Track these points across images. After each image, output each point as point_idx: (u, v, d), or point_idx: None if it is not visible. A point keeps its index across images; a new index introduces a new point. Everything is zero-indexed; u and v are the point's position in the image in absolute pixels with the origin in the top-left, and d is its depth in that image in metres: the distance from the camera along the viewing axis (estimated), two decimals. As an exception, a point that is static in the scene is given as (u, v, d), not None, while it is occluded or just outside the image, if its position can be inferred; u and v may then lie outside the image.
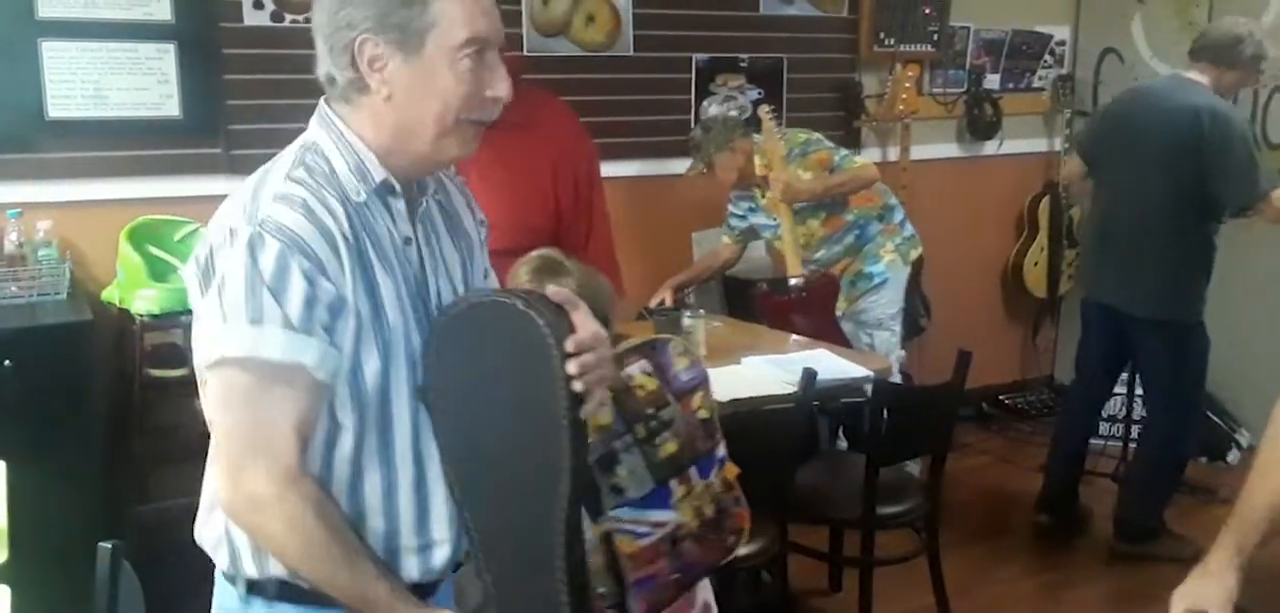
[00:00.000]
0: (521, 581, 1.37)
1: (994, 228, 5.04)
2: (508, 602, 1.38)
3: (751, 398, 2.72)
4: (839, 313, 3.86)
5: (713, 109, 4.33)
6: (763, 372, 2.98)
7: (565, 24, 3.99)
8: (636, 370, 1.85)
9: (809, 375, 2.68)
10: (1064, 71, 5.08)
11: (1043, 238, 4.97)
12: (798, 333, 3.51)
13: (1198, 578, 1.59)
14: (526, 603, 1.38)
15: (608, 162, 4.13)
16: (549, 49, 3.97)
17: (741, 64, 4.32)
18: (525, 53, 3.93)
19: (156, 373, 3.23)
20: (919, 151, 4.56)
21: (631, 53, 4.12)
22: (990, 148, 4.98)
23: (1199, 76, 3.51)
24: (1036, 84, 5.06)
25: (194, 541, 1.43)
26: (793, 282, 3.76)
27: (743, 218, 3.96)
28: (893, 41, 4.59)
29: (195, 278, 1.30)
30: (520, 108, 1.86)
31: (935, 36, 4.70)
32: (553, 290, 1.39)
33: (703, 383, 1.93)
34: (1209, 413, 4.55)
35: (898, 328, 3.95)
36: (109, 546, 1.54)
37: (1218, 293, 3.62)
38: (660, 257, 4.13)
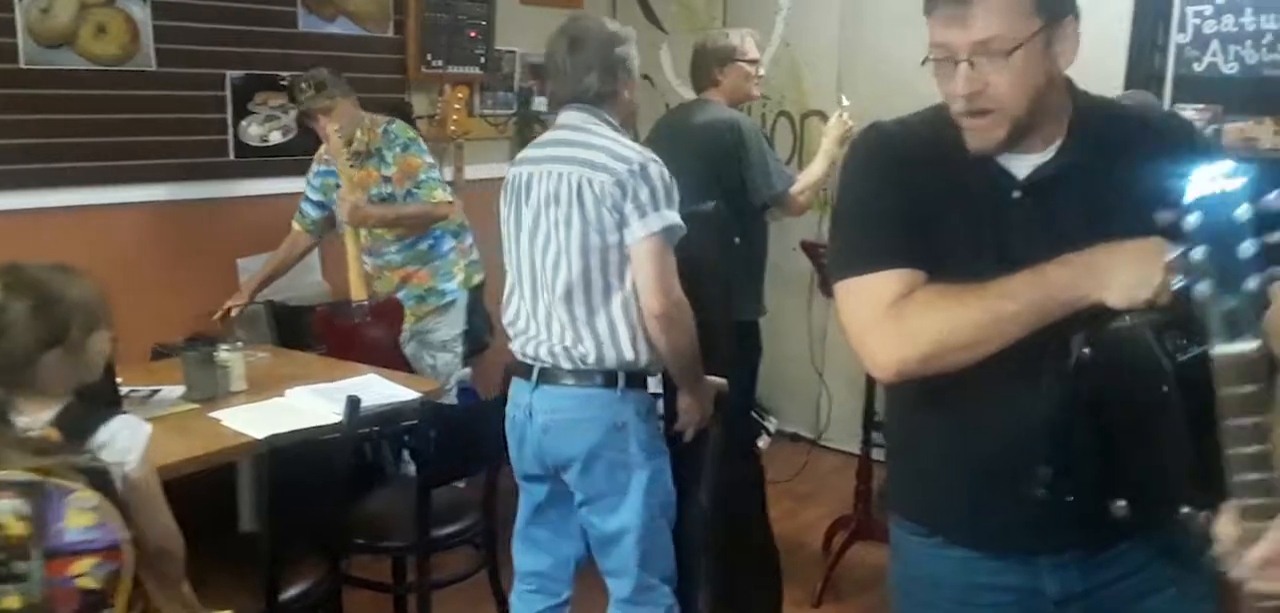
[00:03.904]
0: None
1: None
2: None
3: (294, 431, 2.57)
4: (405, 332, 3.79)
5: (253, 129, 4.09)
6: (308, 403, 2.83)
7: (70, 35, 3.55)
8: (7, 508, 1.62)
9: (352, 403, 2.58)
10: (606, 94, 5.39)
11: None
12: (360, 358, 3.38)
13: None
14: None
15: (130, 186, 3.77)
16: (51, 62, 3.52)
17: (282, 82, 4.11)
18: (21, 65, 3.46)
19: None
20: (473, 171, 4.60)
21: (154, 68, 3.76)
22: (542, 167, 5.15)
23: (714, 95, 3.85)
24: (582, 106, 5.32)
25: None
26: (355, 304, 3.64)
27: (320, 204, 3.80)
28: (441, 63, 4.61)
29: None
30: None
31: (483, 59, 4.79)
32: None
33: (107, 549, 1.68)
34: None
35: (460, 349, 3.96)
36: None
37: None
38: (201, 287, 3.81)
